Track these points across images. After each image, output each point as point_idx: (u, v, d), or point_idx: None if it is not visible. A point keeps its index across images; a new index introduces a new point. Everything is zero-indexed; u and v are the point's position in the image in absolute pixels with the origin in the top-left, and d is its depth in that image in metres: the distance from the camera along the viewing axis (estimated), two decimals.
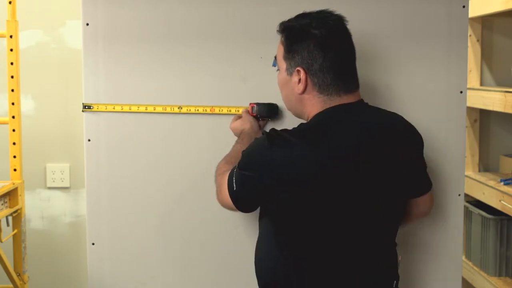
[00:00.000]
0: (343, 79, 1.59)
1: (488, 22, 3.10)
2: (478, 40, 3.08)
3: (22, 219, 2.35)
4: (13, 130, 2.31)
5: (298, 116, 1.68)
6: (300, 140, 1.51)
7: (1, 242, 2.23)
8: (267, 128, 1.90)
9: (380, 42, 1.95)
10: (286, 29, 1.64)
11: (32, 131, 2.68)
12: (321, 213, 1.53)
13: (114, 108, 1.97)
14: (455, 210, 2.00)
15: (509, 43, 3.12)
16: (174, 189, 1.99)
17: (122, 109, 1.96)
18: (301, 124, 1.61)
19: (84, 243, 2.51)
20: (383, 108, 1.72)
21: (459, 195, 1.99)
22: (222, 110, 1.96)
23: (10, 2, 2.27)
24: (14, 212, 2.30)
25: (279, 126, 1.79)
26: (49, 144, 2.77)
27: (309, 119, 1.62)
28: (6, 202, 2.25)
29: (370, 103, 1.68)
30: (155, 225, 2.00)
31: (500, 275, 2.88)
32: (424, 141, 1.72)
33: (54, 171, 2.77)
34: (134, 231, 2.00)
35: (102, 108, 1.96)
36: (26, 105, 2.71)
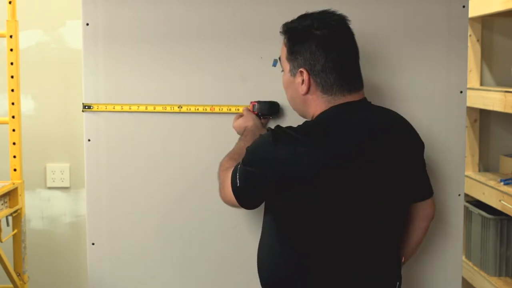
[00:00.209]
0: (346, 79, 1.59)
1: (488, 22, 3.10)
2: (478, 40, 3.08)
3: (22, 219, 2.35)
4: (13, 130, 2.31)
5: (304, 116, 1.69)
6: (304, 137, 1.52)
7: (1, 242, 2.23)
8: (269, 126, 1.91)
9: (380, 42, 1.95)
10: (289, 31, 1.64)
11: (32, 131, 2.68)
12: (323, 211, 1.54)
13: (114, 108, 1.97)
14: (455, 210, 2.00)
15: (509, 43, 3.12)
16: (174, 189, 1.99)
17: (122, 109, 1.96)
18: (306, 121, 1.62)
19: (84, 243, 2.51)
20: None
21: (459, 195, 1.99)
22: (222, 109, 1.96)
23: (10, 2, 2.27)
24: (14, 212, 2.30)
25: (281, 124, 1.79)
26: (49, 144, 2.77)
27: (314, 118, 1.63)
28: (6, 202, 2.25)
29: None
30: (155, 225, 2.00)
31: (500, 275, 2.88)
32: (424, 141, 1.72)
33: (54, 171, 2.77)
34: (134, 231, 2.00)
35: (102, 108, 1.96)
36: (26, 105, 2.71)
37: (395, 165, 1.60)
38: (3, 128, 2.40)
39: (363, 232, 1.58)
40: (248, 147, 1.62)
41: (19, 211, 2.32)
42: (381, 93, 1.94)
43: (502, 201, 2.70)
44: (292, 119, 1.82)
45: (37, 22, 2.71)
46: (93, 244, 2.00)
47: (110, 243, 2.00)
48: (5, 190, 2.21)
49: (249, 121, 1.86)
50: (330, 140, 1.52)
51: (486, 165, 3.18)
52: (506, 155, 3.08)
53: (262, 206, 1.67)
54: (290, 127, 1.57)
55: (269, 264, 1.65)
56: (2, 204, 2.21)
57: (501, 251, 2.87)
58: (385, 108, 1.71)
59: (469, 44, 2.97)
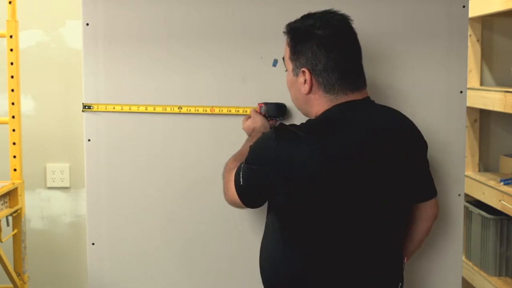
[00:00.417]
0: (348, 78, 1.60)
1: (488, 22, 3.10)
2: (478, 40, 3.08)
3: (22, 219, 2.35)
4: (13, 130, 2.31)
5: (307, 115, 1.69)
6: (307, 135, 1.52)
7: (1, 242, 2.23)
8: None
9: (380, 42, 1.95)
10: (292, 30, 1.65)
11: (32, 131, 2.68)
12: (325, 210, 1.54)
13: (114, 108, 1.97)
14: (455, 210, 2.00)
15: (509, 43, 3.12)
16: (174, 189, 1.99)
17: (122, 109, 1.96)
18: (308, 120, 1.63)
19: (84, 243, 2.51)
20: None
21: (459, 195, 1.99)
22: (222, 110, 1.96)
23: (10, 2, 2.27)
24: (14, 212, 2.30)
25: None
26: (49, 144, 2.77)
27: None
28: (6, 202, 2.25)
29: None
30: (155, 225, 2.00)
31: (500, 275, 2.88)
32: None
33: (54, 171, 2.77)
34: (134, 231, 2.00)
35: (102, 108, 1.96)
36: (26, 105, 2.71)
37: (397, 164, 1.60)
38: (3, 128, 2.40)
39: (365, 232, 1.58)
40: (251, 145, 1.63)
41: (19, 211, 2.32)
42: (381, 93, 1.94)
43: (502, 201, 2.70)
44: (299, 121, 1.81)
45: (37, 22, 2.71)
46: (93, 244, 2.00)
47: (110, 243, 2.00)
48: (5, 190, 2.20)
49: (257, 122, 1.87)
50: (332, 139, 1.53)
51: (486, 165, 3.18)
52: (506, 155, 3.08)
53: (265, 206, 1.68)
54: (293, 125, 1.58)
55: (271, 263, 1.65)
56: (2, 204, 2.21)
57: (501, 251, 2.87)
58: (389, 107, 1.71)
59: (469, 44, 2.97)
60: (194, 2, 1.94)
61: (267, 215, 1.69)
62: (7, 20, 2.28)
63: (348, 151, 1.53)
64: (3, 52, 2.32)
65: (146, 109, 1.96)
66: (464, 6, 1.96)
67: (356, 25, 1.65)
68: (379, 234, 1.61)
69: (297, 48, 1.62)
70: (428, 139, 1.78)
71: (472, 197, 3.01)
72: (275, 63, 1.93)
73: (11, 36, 2.28)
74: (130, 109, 1.96)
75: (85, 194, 2.00)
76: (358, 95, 1.61)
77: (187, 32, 1.95)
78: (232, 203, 1.68)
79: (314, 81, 1.60)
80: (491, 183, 2.87)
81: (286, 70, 1.69)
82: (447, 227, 2.00)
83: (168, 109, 1.96)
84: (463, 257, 2.90)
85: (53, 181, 2.77)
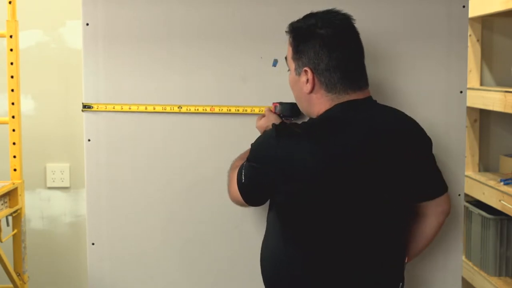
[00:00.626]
0: (350, 78, 1.60)
1: (488, 22, 3.10)
2: (478, 40, 3.08)
3: (22, 219, 2.35)
4: (13, 130, 2.31)
5: (309, 114, 1.69)
6: (307, 134, 1.53)
7: (1, 242, 2.23)
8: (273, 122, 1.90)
9: (380, 42, 1.95)
10: (294, 30, 1.65)
11: (32, 131, 2.68)
12: (325, 209, 1.54)
13: (114, 108, 1.97)
14: (455, 210, 1.99)
15: (509, 43, 3.12)
16: (174, 189, 1.99)
17: (122, 109, 1.96)
18: (310, 118, 1.63)
19: (84, 243, 2.51)
20: None
21: (459, 195, 1.99)
22: (222, 109, 1.96)
23: (10, 2, 2.27)
24: (14, 212, 2.30)
25: None
26: (49, 144, 2.77)
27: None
28: (6, 202, 2.25)
29: None
30: (155, 225, 2.00)
31: (500, 275, 2.88)
32: None
33: (54, 171, 2.77)
34: (134, 231, 2.00)
35: (102, 108, 1.96)
36: (26, 105, 2.71)
37: (399, 164, 1.60)
38: (3, 128, 2.40)
39: (366, 231, 1.58)
40: (252, 143, 1.63)
41: (19, 211, 2.32)
42: (381, 93, 1.94)
43: (502, 201, 2.70)
44: None
45: (37, 22, 2.71)
46: (93, 244, 2.00)
47: (110, 243, 2.00)
48: (5, 190, 2.20)
49: (271, 121, 1.85)
50: (334, 138, 1.53)
51: (486, 165, 3.18)
52: (506, 155, 3.08)
53: (266, 206, 1.68)
54: (294, 123, 1.58)
55: (272, 262, 1.66)
56: (2, 204, 2.21)
57: (501, 251, 2.87)
58: (391, 107, 1.71)
59: (469, 44, 2.97)
60: (194, 2, 1.94)
61: (268, 214, 1.69)
62: (7, 20, 2.28)
63: (350, 151, 1.53)
64: (3, 52, 2.32)
65: (146, 108, 1.96)
66: (464, 6, 1.96)
67: (356, 25, 1.65)
68: (380, 234, 1.61)
69: (299, 48, 1.62)
70: None
71: (472, 197, 3.01)
72: (275, 63, 1.93)
73: (11, 36, 2.28)
74: (130, 108, 1.96)
75: (85, 194, 2.00)
76: (360, 95, 1.61)
77: (187, 32, 1.95)
78: (235, 201, 1.69)
79: (316, 80, 1.60)
80: (491, 183, 2.87)
81: (289, 70, 1.69)
82: (447, 227, 1.99)
83: (168, 109, 1.96)
84: (463, 257, 2.90)
85: (53, 181, 2.77)
